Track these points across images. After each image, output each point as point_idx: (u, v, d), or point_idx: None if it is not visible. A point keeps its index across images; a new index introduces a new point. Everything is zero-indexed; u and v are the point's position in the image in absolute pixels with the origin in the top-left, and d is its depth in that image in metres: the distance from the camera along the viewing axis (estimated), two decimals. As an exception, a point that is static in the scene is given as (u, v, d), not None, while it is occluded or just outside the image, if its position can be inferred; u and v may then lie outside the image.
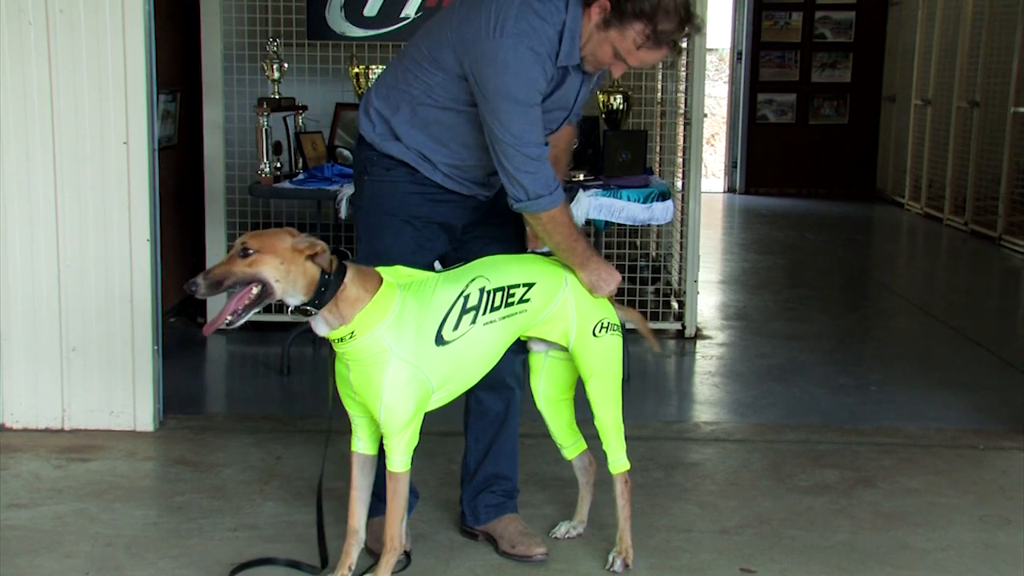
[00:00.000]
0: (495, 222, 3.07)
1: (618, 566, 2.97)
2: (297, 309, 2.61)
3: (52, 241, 3.96)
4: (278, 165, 5.01)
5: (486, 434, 3.16)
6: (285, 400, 4.67)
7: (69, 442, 3.92)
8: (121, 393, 4.02)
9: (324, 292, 2.57)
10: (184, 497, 3.48)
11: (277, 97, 5.11)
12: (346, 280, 2.60)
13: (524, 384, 3.14)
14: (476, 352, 2.77)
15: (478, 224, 3.07)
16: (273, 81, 5.13)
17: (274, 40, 5.18)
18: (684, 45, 2.50)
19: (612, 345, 2.93)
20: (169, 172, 5.26)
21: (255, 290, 2.53)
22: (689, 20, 2.72)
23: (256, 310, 2.56)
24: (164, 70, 4.73)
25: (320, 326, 2.64)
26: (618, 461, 3.00)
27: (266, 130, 4.92)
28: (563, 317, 2.88)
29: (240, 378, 5.10)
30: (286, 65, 5.19)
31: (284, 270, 2.52)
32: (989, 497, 3.59)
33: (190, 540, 3.16)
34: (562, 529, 3.20)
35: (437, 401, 2.78)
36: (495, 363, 2.87)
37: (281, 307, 3.30)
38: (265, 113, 4.91)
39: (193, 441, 3.99)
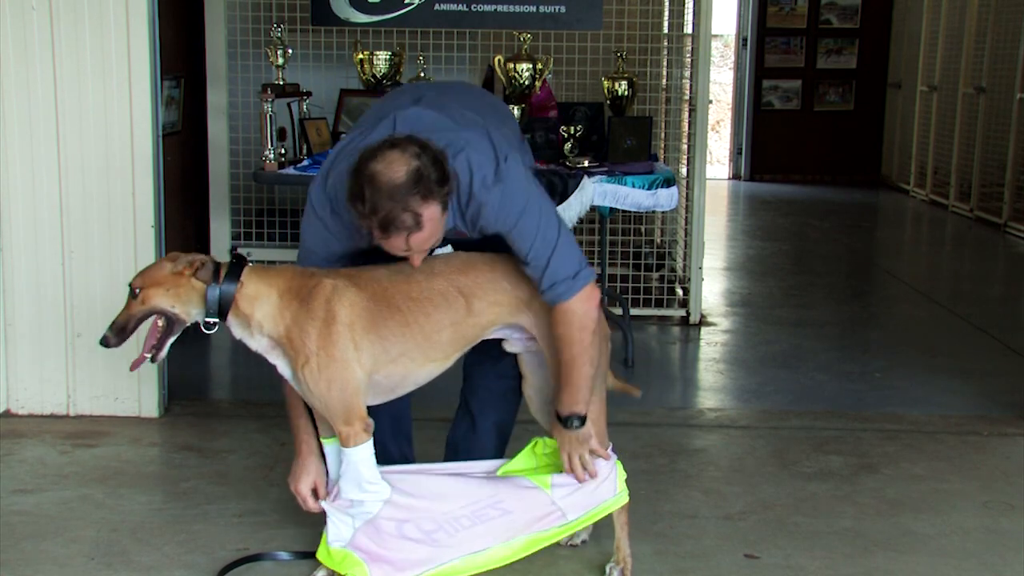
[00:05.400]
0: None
1: None
2: (208, 326, 2.65)
3: (56, 227, 3.96)
4: (282, 151, 5.00)
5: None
6: (290, 386, 4.66)
7: (74, 428, 3.94)
8: (126, 379, 4.03)
9: (220, 299, 2.62)
10: (189, 483, 3.49)
11: (281, 83, 5.10)
12: (243, 278, 2.64)
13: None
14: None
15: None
16: (277, 67, 5.11)
17: (278, 26, 5.17)
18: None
19: None
20: (173, 158, 5.26)
21: (160, 322, 2.65)
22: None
23: (175, 338, 2.66)
24: (168, 56, 4.73)
25: (236, 331, 2.67)
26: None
27: (270, 116, 4.91)
28: None
29: (245, 364, 5.08)
30: (290, 51, 5.17)
31: (173, 295, 2.63)
32: (992, 483, 3.60)
33: (195, 525, 3.17)
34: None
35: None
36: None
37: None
38: (269, 99, 4.90)
39: (198, 427, 4.00)
